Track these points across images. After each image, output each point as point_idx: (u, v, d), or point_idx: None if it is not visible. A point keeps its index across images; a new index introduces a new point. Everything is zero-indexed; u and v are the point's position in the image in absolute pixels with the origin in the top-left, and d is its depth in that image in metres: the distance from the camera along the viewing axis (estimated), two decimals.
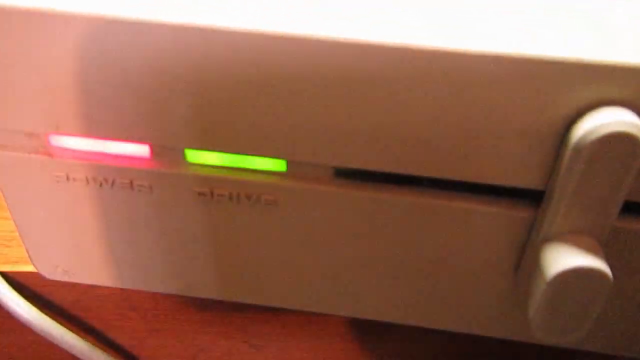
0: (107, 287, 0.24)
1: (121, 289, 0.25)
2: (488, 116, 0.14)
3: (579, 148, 0.13)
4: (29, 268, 0.27)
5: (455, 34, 0.13)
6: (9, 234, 0.28)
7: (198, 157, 0.16)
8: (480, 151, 0.14)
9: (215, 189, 0.16)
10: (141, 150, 0.16)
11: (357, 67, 0.13)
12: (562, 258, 0.14)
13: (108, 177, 0.17)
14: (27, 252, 0.20)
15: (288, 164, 0.16)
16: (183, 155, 0.16)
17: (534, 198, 0.15)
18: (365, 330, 0.28)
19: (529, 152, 0.14)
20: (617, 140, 0.13)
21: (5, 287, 0.27)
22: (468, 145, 0.14)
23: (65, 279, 0.20)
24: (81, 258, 0.19)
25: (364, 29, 0.13)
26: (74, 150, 0.17)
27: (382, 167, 0.15)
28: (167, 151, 0.16)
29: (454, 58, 0.13)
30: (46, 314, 0.27)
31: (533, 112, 0.14)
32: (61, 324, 0.28)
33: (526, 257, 0.16)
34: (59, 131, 0.16)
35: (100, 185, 0.17)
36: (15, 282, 0.27)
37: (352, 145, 0.15)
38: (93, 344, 0.29)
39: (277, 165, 0.16)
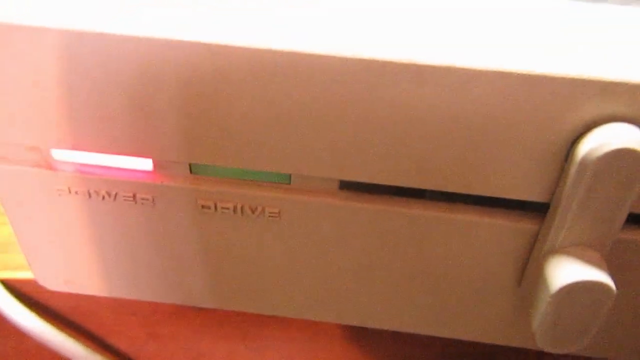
0: None
1: None
2: (494, 131, 0.14)
3: (585, 164, 0.13)
4: (28, 274, 0.26)
5: (463, 51, 0.13)
6: (6, 240, 0.28)
7: (201, 170, 0.16)
8: (486, 164, 0.14)
9: (219, 202, 0.16)
10: (144, 163, 0.16)
11: (363, 83, 0.13)
12: (566, 271, 0.14)
13: (110, 190, 0.17)
14: (28, 263, 0.20)
15: (292, 177, 0.16)
16: (186, 169, 0.16)
17: (538, 210, 0.15)
18: (363, 333, 0.29)
19: (535, 166, 0.14)
20: (622, 157, 0.13)
21: (4, 293, 0.27)
22: (474, 158, 0.14)
23: (67, 289, 0.20)
24: (83, 270, 0.19)
25: (369, 45, 0.13)
26: (76, 164, 0.16)
27: (387, 180, 0.15)
28: (170, 164, 0.16)
29: (463, 74, 0.13)
30: (45, 320, 0.27)
31: (539, 128, 0.14)
32: (60, 330, 0.28)
33: (530, 268, 0.16)
34: (61, 145, 0.16)
35: (103, 198, 0.17)
36: (14, 288, 0.27)
37: (357, 159, 0.15)
38: (93, 350, 0.29)
39: (281, 178, 0.16)
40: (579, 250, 0.15)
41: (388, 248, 0.17)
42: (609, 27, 0.14)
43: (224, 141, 0.15)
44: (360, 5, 0.14)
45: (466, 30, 0.14)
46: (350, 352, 0.30)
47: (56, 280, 0.20)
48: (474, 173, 0.15)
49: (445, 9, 0.14)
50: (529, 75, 0.13)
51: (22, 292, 0.27)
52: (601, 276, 0.14)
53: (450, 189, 0.15)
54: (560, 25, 0.14)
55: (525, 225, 0.16)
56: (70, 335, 0.28)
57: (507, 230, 0.16)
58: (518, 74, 0.13)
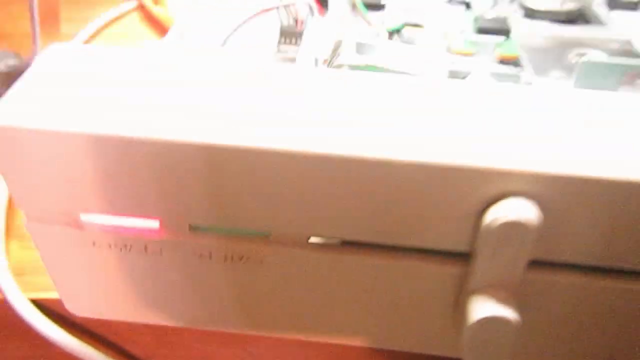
0: None
1: None
2: (425, 206, 0.18)
3: (488, 230, 0.17)
4: (55, 294, 0.31)
5: (393, 146, 0.17)
6: (35, 263, 0.32)
7: (199, 228, 0.20)
8: (419, 225, 0.19)
9: (213, 252, 0.21)
10: (153, 224, 0.20)
11: (320, 172, 0.18)
12: (478, 308, 0.19)
13: (127, 243, 0.21)
14: (59, 295, 0.24)
15: (271, 233, 0.20)
16: (187, 227, 0.20)
17: (464, 257, 0.20)
18: None
19: (456, 226, 0.18)
20: (514, 227, 0.17)
21: (35, 312, 0.31)
22: (412, 223, 0.18)
23: (93, 316, 0.24)
24: (107, 302, 0.23)
25: (322, 142, 0.17)
26: (99, 225, 0.21)
27: (346, 237, 0.19)
28: (173, 225, 0.20)
29: (394, 166, 0.17)
30: (70, 332, 0.32)
31: (456, 202, 0.18)
32: (83, 340, 0.32)
33: (459, 300, 0.20)
34: (88, 211, 0.20)
35: (121, 250, 0.21)
36: (43, 306, 0.31)
37: (319, 222, 0.19)
38: (111, 356, 0.33)
39: (261, 234, 0.20)
40: (492, 290, 0.19)
41: (347, 285, 0.21)
42: (508, 120, 0.18)
43: (216, 208, 0.19)
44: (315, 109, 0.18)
45: (392, 125, 0.18)
46: (345, 354, 0.34)
47: (84, 309, 0.24)
48: (413, 232, 0.19)
49: (371, 105, 0.18)
50: (445, 166, 0.17)
51: (50, 310, 0.31)
52: (504, 312, 0.18)
53: (394, 242, 0.19)
54: (463, 118, 0.18)
55: (453, 269, 0.20)
56: (91, 344, 0.32)
57: (441, 272, 0.20)
58: (434, 165, 0.17)
